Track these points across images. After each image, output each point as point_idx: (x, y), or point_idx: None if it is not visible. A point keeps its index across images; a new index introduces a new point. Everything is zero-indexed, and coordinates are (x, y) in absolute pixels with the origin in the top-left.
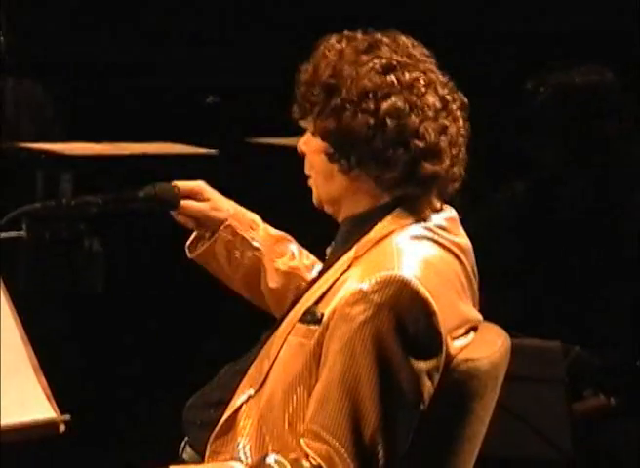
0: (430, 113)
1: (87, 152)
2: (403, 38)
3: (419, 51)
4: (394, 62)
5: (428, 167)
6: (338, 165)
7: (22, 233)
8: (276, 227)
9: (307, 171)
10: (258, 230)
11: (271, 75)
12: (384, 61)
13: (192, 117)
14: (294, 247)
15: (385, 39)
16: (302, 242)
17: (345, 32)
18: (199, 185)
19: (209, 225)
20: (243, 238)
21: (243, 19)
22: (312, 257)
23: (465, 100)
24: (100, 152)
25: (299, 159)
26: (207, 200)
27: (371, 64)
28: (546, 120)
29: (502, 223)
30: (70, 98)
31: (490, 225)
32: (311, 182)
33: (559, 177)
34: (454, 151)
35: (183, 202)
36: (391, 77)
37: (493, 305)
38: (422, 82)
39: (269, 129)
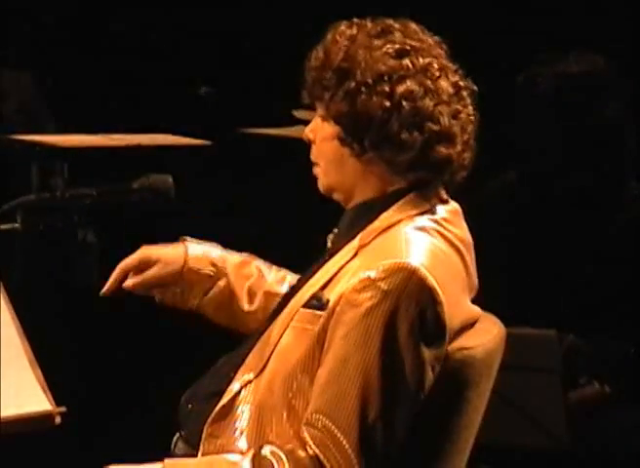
0: (444, 97)
1: (81, 144)
2: (413, 25)
3: (429, 37)
4: (407, 47)
5: (442, 150)
6: (350, 149)
7: (17, 225)
8: (272, 217)
9: (314, 158)
10: (218, 262)
11: (267, 66)
12: (398, 46)
13: (187, 108)
14: (259, 263)
15: (397, 25)
16: (300, 231)
17: (355, 19)
18: (141, 255)
19: (171, 281)
20: (207, 275)
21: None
22: (282, 270)
23: (475, 88)
24: (94, 144)
25: (294, 149)
26: (156, 262)
27: (385, 48)
28: (546, 110)
29: (497, 213)
30: (63, 90)
31: (483, 214)
32: (317, 170)
33: (557, 167)
34: (465, 137)
35: (137, 281)
36: (405, 61)
37: (486, 294)
38: (436, 66)
39: (264, 119)
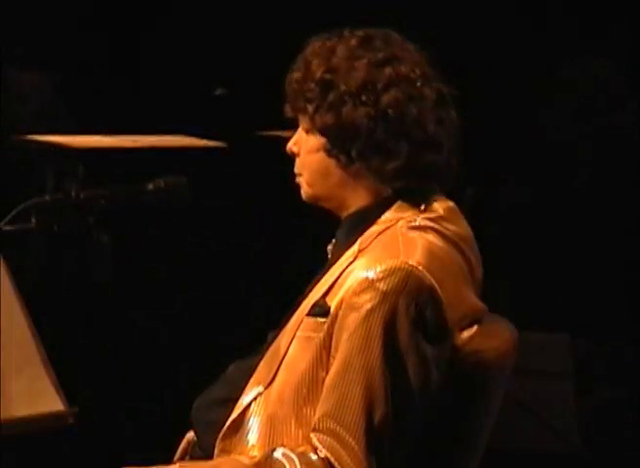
0: (429, 104)
1: (96, 145)
2: (393, 34)
3: (409, 45)
4: (389, 55)
5: (429, 157)
6: (336, 161)
7: (31, 226)
8: (284, 220)
9: (298, 170)
10: None
11: (280, 68)
12: (380, 55)
13: (202, 109)
14: None
15: (377, 34)
16: (309, 235)
17: (333, 32)
18: None
19: None
20: None
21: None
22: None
23: (456, 93)
24: (109, 145)
25: None
26: None
27: (366, 58)
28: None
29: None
30: (79, 90)
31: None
32: (300, 180)
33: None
34: (450, 143)
35: None
36: (388, 69)
37: (499, 297)
38: (418, 73)
39: (279, 121)
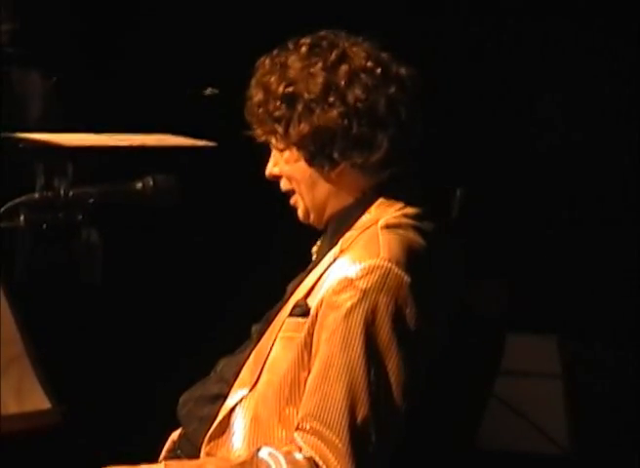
0: (392, 89)
1: (85, 143)
2: (338, 33)
3: (357, 39)
4: (340, 53)
5: (407, 141)
6: (320, 168)
7: (20, 223)
8: (275, 221)
9: (287, 187)
10: None
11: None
12: (332, 56)
13: (191, 108)
14: None
15: (323, 37)
16: (301, 235)
17: (275, 49)
18: None
19: None
20: None
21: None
22: None
23: (415, 72)
24: (98, 143)
25: None
26: None
27: (320, 62)
28: None
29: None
30: (68, 89)
31: None
32: (295, 198)
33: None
34: (416, 124)
35: None
36: (344, 66)
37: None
38: (374, 62)
39: None
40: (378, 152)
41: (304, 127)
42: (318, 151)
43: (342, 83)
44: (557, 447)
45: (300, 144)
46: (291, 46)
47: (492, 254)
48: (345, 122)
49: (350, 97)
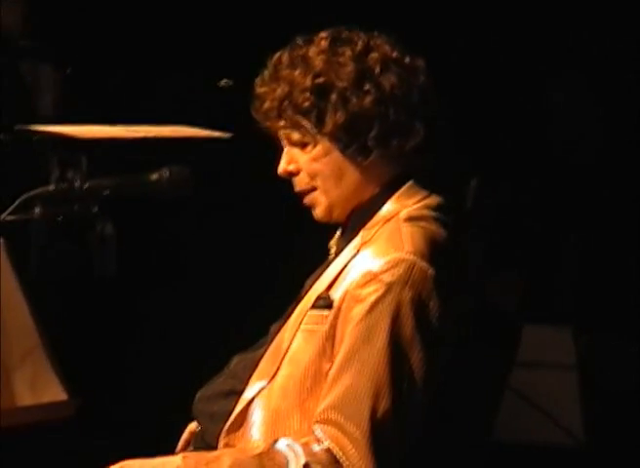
0: (421, 78)
1: (100, 135)
2: (351, 28)
3: (371, 33)
4: (365, 44)
5: (434, 129)
6: (351, 157)
7: (35, 216)
8: (290, 212)
9: (304, 186)
10: None
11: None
12: (359, 46)
13: (206, 100)
14: None
15: (339, 31)
16: (315, 228)
17: (295, 42)
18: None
19: None
20: None
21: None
22: None
23: (425, 64)
24: (113, 135)
25: None
26: None
27: (348, 52)
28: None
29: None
30: (81, 81)
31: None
32: (312, 197)
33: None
34: (437, 112)
35: None
36: (374, 54)
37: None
38: (397, 53)
39: None
40: (413, 139)
41: (340, 116)
42: (353, 140)
43: (377, 70)
44: (572, 438)
45: (335, 135)
46: (303, 42)
47: (507, 246)
48: (382, 109)
49: (386, 84)
